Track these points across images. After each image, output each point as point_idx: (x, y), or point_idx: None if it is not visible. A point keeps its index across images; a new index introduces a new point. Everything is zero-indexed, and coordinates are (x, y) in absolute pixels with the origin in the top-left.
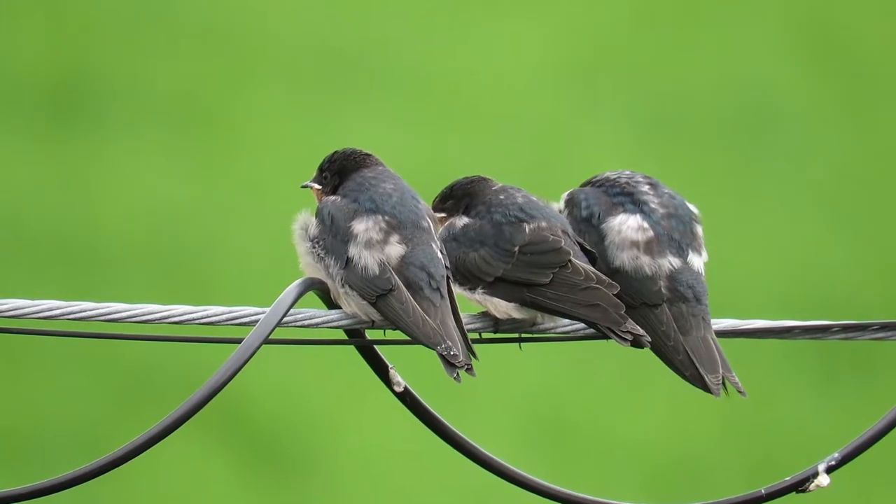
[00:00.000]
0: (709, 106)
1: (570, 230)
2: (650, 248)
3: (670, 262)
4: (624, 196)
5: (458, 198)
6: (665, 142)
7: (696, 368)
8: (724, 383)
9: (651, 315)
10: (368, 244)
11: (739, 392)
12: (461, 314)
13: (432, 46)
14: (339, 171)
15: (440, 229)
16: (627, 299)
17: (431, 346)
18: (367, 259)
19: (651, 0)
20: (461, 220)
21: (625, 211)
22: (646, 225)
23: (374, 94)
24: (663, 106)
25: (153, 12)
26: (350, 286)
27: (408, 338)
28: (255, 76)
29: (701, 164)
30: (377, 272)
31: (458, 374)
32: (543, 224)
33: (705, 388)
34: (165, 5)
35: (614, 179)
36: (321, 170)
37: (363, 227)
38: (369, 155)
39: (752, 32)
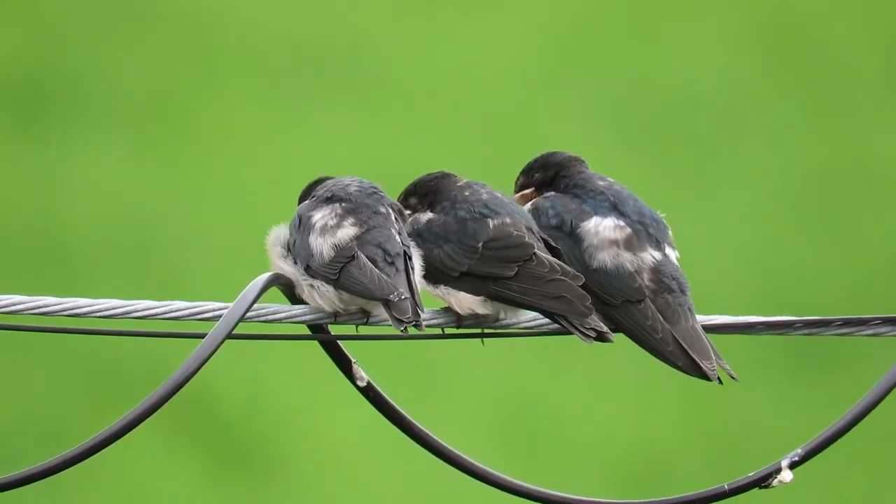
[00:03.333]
0: (673, 102)
1: (534, 226)
2: (630, 244)
3: (652, 255)
4: (604, 201)
5: (421, 195)
6: (629, 137)
7: (690, 357)
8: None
9: (635, 311)
10: (324, 230)
11: (732, 378)
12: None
13: (400, 42)
14: (305, 193)
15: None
16: (608, 298)
17: (383, 297)
18: (321, 245)
19: None
20: (425, 216)
21: (597, 214)
22: (622, 223)
23: (343, 90)
24: (628, 102)
25: (122, 10)
26: (313, 275)
27: (372, 334)
28: (224, 73)
29: (665, 159)
30: (333, 255)
31: (405, 327)
32: (508, 220)
33: (702, 374)
34: (134, 3)
35: (589, 187)
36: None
37: (320, 215)
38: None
39: (716, 28)
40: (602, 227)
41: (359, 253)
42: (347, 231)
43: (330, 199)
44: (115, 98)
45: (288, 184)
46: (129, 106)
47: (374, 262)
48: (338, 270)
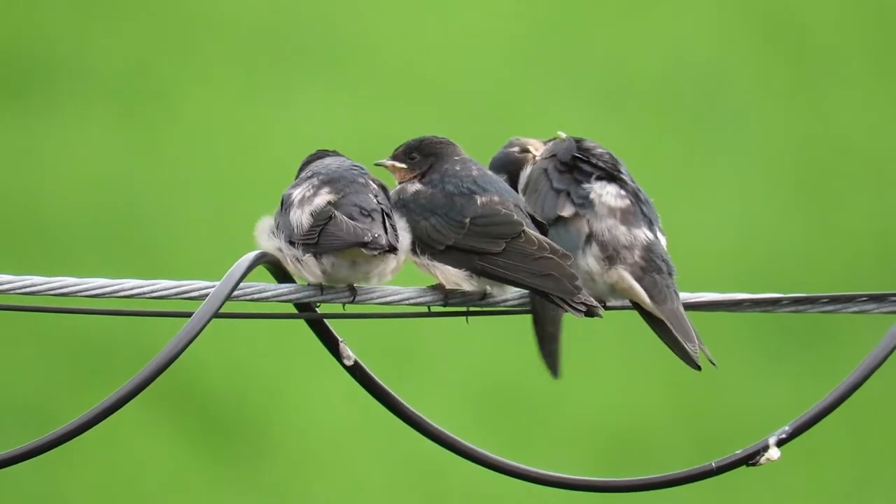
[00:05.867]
0: (658, 81)
1: (522, 204)
2: (626, 217)
3: (645, 233)
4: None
5: (425, 154)
6: (614, 117)
7: (674, 337)
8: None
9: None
10: (301, 202)
11: (711, 363)
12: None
13: (382, 22)
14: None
15: (397, 186)
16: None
17: (357, 241)
18: (300, 216)
19: None
20: (413, 187)
21: (600, 179)
22: (623, 193)
23: (322, 66)
24: (611, 80)
25: None
26: (297, 246)
27: (359, 311)
28: (204, 49)
29: (649, 138)
30: (311, 222)
31: (379, 252)
32: (496, 198)
33: (685, 356)
34: None
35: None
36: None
37: (298, 191)
38: (325, 152)
39: (698, 8)
40: (606, 192)
41: (336, 213)
42: (324, 198)
43: (310, 177)
44: (96, 75)
45: (270, 161)
46: (110, 83)
47: (350, 217)
48: (317, 234)
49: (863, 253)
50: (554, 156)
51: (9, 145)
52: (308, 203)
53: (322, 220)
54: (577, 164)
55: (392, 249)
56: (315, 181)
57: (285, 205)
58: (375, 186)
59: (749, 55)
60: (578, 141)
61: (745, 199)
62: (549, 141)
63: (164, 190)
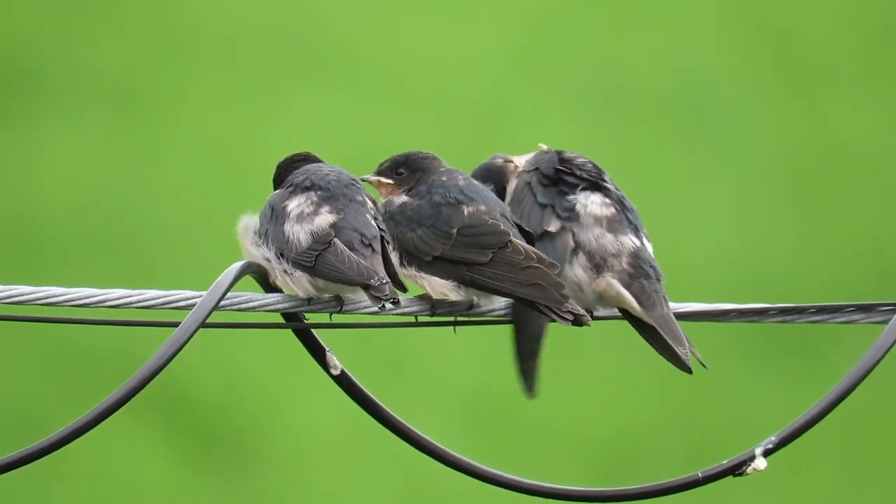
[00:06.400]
0: (648, 89)
1: (508, 213)
2: (613, 225)
3: (632, 240)
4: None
5: (412, 170)
6: (603, 125)
7: (664, 342)
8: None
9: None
10: (300, 218)
11: (703, 366)
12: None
13: (372, 27)
14: (278, 177)
15: (383, 200)
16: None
17: (363, 282)
18: (298, 233)
19: None
20: (399, 199)
21: (584, 189)
22: (608, 201)
23: (316, 73)
24: (602, 89)
25: None
26: (289, 262)
27: (346, 320)
28: (195, 55)
29: (639, 146)
30: (311, 242)
31: (383, 304)
32: (482, 207)
33: (676, 360)
34: None
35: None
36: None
37: (295, 203)
38: (307, 156)
39: (692, 14)
40: (590, 202)
41: (335, 240)
42: (325, 218)
43: (307, 189)
44: (88, 81)
45: (261, 169)
46: (102, 89)
47: (350, 245)
48: (314, 258)
49: (852, 262)
50: (536, 168)
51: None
52: (307, 221)
53: (321, 244)
54: (561, 177)
55: (395, 302)
56: (314, 196)
57: (277, 213)
58: (371, 204)
59: (743, 63)
60: (559, 153)
61: (734, 208)
62: (531, 154)
63: (155, 197)
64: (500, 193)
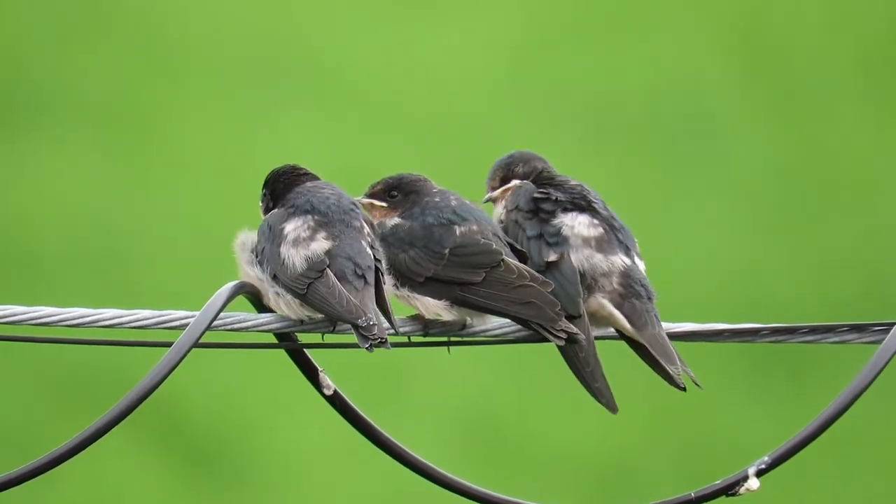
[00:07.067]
0: (640, 108)
1: (500, 233)
2: (601, 245)
3: (622, 259)
4: (574, 201)
5: (406, 192)
6: (596, 143)
7: (657, 360)
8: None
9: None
10: (296, 242)
11: (696, 385)
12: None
13: (364, 46)
14: (275, 189)
15: (376, 222)
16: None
17: (351, 321)
18: (293, 257)
19: (585, 2)
20: (391, 221)
21: (572, 210)
22: (595, 221)
23: (304, 93)
24: (593, 106)
25: (81, 11)
26: (281, 285)
27: (339, 340)
28: (185, 75)
29: (632, 165)
30: (305, 267)
31: (370, 345)
32: (475, 227)
33: (669, 379)
34: (95, 4)
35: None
36: (263, 193)
37: (292, 226)
38: (306, 171)
39: (685, 31)
40: (577, 223)
41: (328, 271)
42: (320, 244)
43: (307, 212)
44: (78, 100)
45: (251, 186)
46: (92, 108)
47: (343, 275)
48: (306, 286)
49: (845, 282)
50: (516, 207)
51: None
52: (303, 245)
53: (315, 272)
54: (539, 206)
55: (382, 343)
56: (311, 221)
57: (274, 234)
58: (368, 230)
59: (733, 83)
60: (539, 172)
61: (726, 228)
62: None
63: (146, 216)
64: None
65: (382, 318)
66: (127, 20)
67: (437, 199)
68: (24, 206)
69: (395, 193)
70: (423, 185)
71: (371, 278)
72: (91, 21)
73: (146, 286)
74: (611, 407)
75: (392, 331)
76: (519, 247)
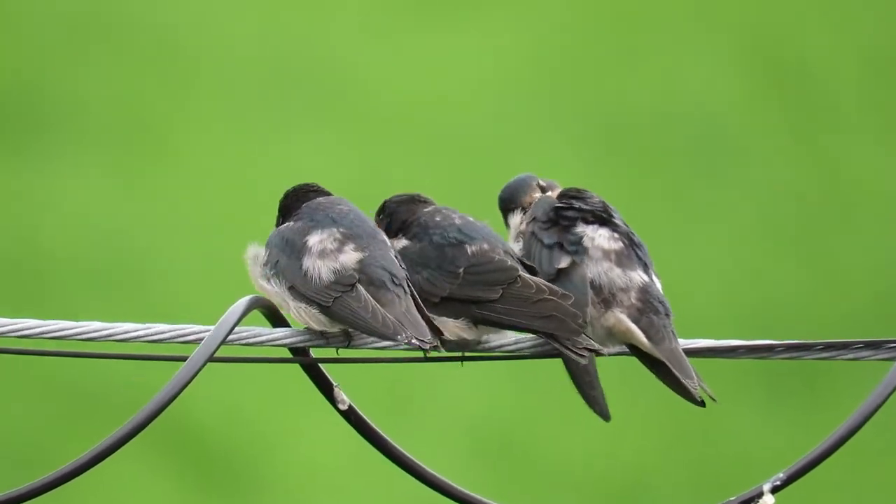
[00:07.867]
0: (653, 124)
1: (510, 249)
2: (620, 260)
3: (641, 276)
4: (596, 212)
5: (388, 214)
6: (608, 159)
7: (673, 376)
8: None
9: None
10: (322, 254)
11: (712, 399)
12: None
13: (376, 62)
14: (286, 205)
15: None
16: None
17: (391, 338)
18: (320, 268)
19: (595, 18)
20: (399, 243)
21: (593, 222)
22: (616, 235)
23: (318, 109)
24: (606, 123)
25: (91, 26)
26: (303, 299)
27: (353, 355)
28: (196, 90)
29: (644, 181)
30: (332, 279)
31: (426, 354)
32: (485, 246)
33: (686, 394)
34: (104, 20)
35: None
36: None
37: (317, 238)
38: (318, 188)
39: (697, 50)
40: (598, 235)
41: (358, 286)
42: (350, 256)
43: (330, 224)
44: (89, 117)
45: (264, 201)
46: (104, 125)
47: (381, 283)
48: (332, 299)
49: (860, 299)
50: (534, 218)
51: (2, 188)
52: (331, 258)
53: (343, 286)
54: (560, 214)
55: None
56: (336, 233)
57: (292, 246)
58: (391, 244)
59: (746, 100)
60: (567, 190)
61: (741, 245)
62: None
63: (159, 231)
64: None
65: (425, 328)
66: (137, 36)
67: (437, 218)
68: (37, 221)
69: (381, 216)
70: (408, 206)
71: (407, 288)
72: (101, 37)
73: (157, 301)
74: (604, 415)
75: (436, 342)
76: (528, 262)
